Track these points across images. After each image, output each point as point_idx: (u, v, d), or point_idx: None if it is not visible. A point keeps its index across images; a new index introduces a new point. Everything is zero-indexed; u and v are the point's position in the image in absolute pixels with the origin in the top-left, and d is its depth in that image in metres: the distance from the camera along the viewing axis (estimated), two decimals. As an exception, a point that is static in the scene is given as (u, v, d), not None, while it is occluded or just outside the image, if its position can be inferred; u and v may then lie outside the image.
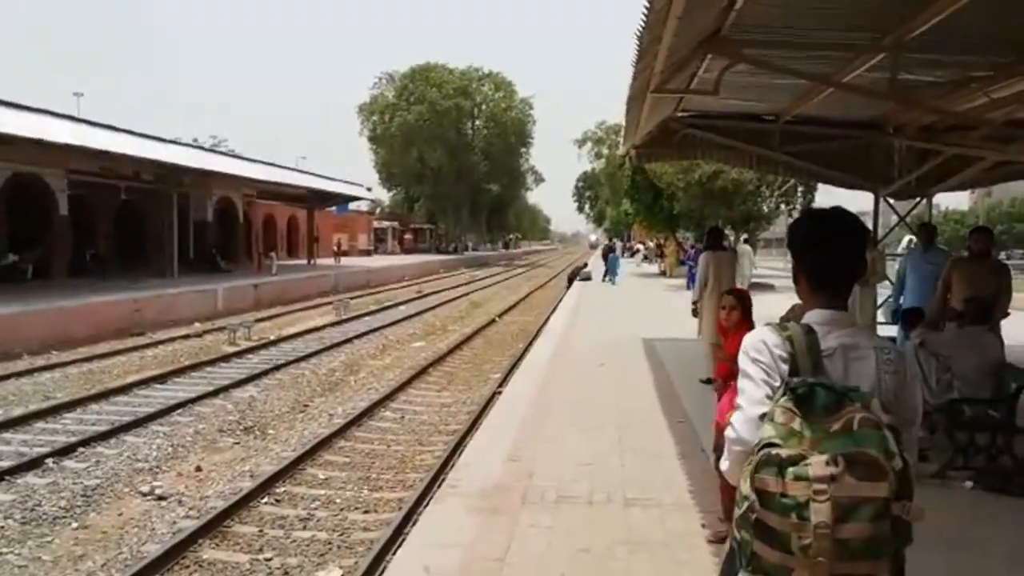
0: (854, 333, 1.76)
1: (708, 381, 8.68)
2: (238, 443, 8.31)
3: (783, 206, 26.99)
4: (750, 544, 1.54)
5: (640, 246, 37.25)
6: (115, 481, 6.87)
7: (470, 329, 17.80)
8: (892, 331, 9.09)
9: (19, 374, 11.50)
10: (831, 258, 1.80)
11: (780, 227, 52.80)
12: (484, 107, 65.69)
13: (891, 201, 10.44)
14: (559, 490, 4.41)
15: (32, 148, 17.48)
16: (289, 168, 33.13)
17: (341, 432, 8.49)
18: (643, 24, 4.43)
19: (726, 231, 22.91)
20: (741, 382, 1.76)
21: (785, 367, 1.68)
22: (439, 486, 6.42)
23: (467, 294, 29.01)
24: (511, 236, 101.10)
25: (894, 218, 11.87)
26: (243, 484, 6.73)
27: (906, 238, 13.77)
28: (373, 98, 63.37)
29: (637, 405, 7.73)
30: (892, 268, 10.98)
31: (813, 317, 1.78)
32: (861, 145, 10.04)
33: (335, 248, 42.52)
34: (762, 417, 1.61)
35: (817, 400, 1.55)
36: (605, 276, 28.47)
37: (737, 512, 1.58)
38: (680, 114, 9.72)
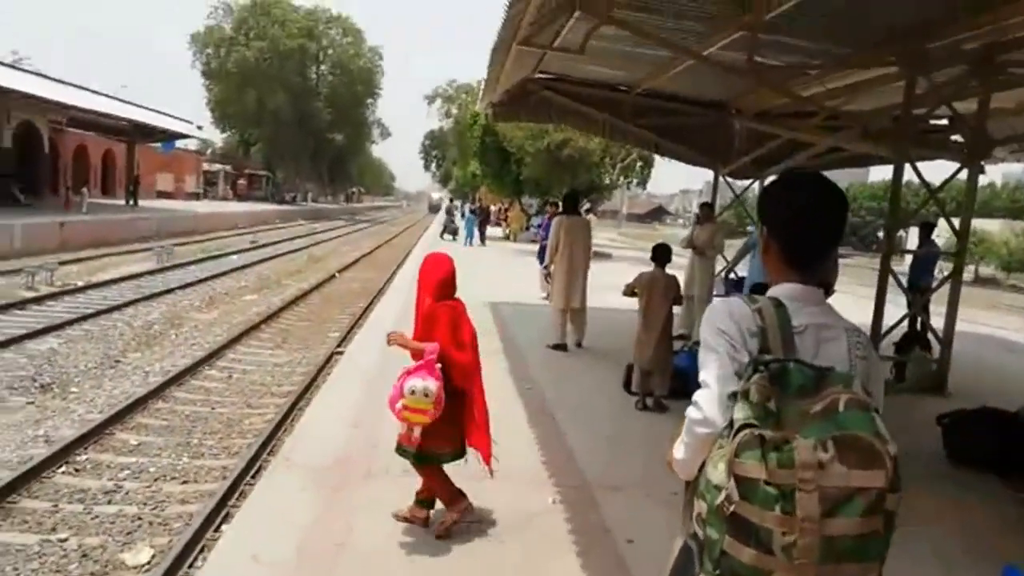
0: (826, 312, 1.61)
1: (556, 347, 8.76)
2: (32, 403, 7.30)
3: (622, 179, 27.94)
4: (719, 543, 1.32)
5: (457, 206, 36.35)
6: None
7: (308, 284, 16.94)
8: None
9: None
10: (816, 231, 1.62)
11: (614, 200, 55.22)
12: (331, 52, 62.45)
13: (729, 180, 10.97)
14: (404, 463, 4.13)
15: None
16: (105, 95, 29.76)
17: (158, 392, 7.69)
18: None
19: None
20: (704, 356, 1.55)
21: (755, 342, 1.50)
22: (269, 454, 5.98)
23: (305, 247, 27.72)
24: (354, 190, 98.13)
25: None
26: (35, 451, 5.88)
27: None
28: (208, 29, 58.34)
29: (487, 371, 7.51)
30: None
31: (782, 291, 1.61)
32: (706, 124, 10.43)
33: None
34: (732, 396, 1.41)
35: (791, 379, 1.37)
36: (444, 234, 30.31)
37: (701, 505, 1.38)
38: (538, 75, 9.61)
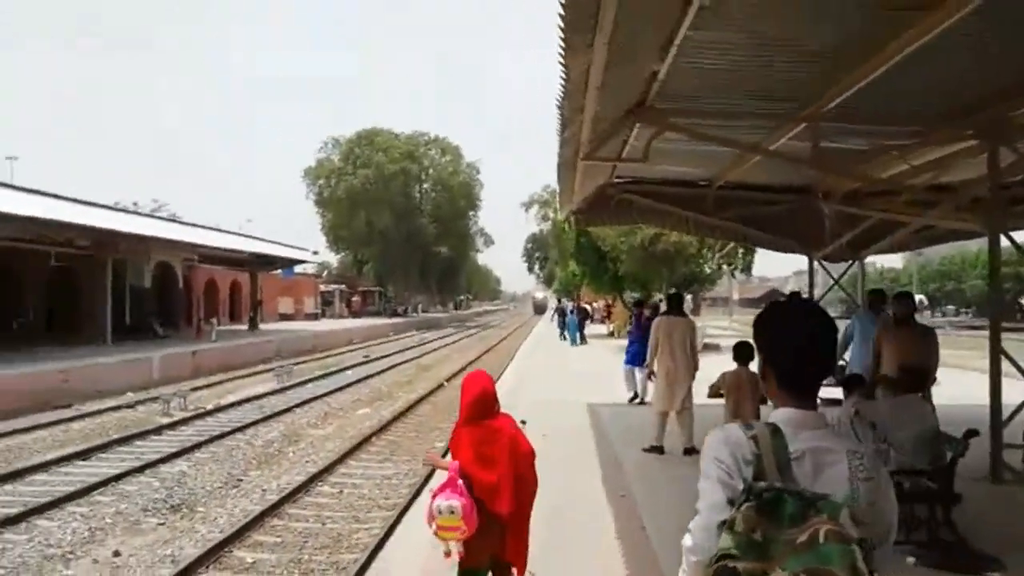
0: (825, 435, 1.62)
1: (652, 449, 8.59)
2: (163, 523, 7.84)
3: (725, 267, 27.61)
4: None
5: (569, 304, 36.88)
6: (22, 571, 6.36)
7: (416, 395, 17.46)
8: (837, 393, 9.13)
9: (-73, 454, 10.76)
10: (808, 359, 1.67)
11: (723, 286, 54.25)
12: (431, 171, 66.29)
13: (825, 264, 10.73)
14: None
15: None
16: (230, 232, 32.69)
17: (273, 509, 8.09)
18: (562, 94, 4.49)
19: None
20: (701, 483, 1.61)
21: (749, 470, 1.53)
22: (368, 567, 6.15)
23: (416, 358, 28.63)
24: (462, 297, 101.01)
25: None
26: (163, 572, 6.31)
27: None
28: (319, 162, 63.38)
29: (577, 477, 7.44)
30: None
31: (780, 416, 1.65)
32: (793, 209, 10.33)
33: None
34: (722, 524, 1.46)
35: (784, 508, 1.40)
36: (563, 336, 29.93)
37: None
38: (616, 180, 9.91)
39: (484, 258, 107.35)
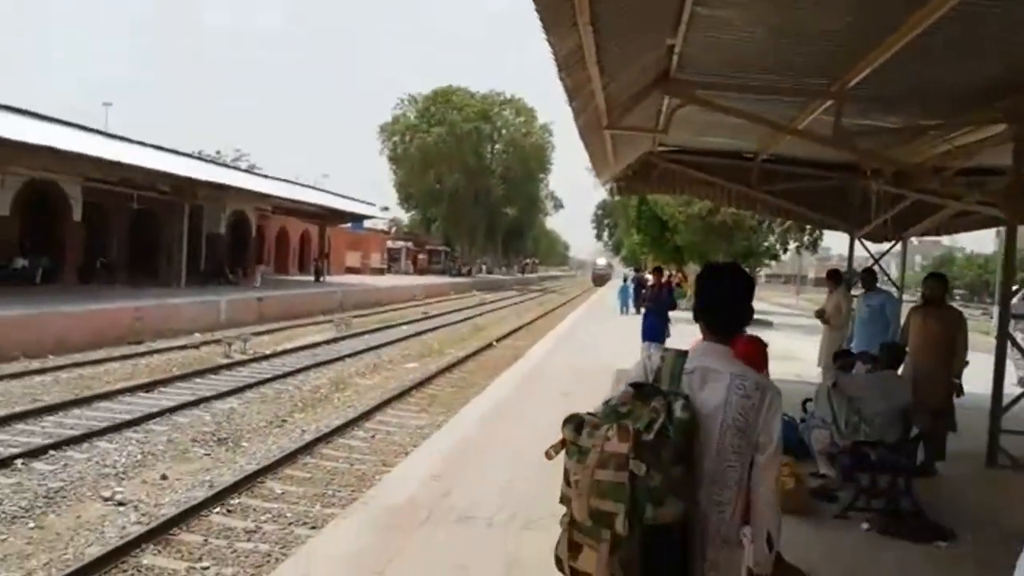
0: (718, 361, 2.10)
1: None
2: (208, 454, 8.53)
3: (791, 242, 26.86)
4: None
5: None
6: (79, 485, 7.10)
7: (465, 353, 17.97)
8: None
9: (12, 376, 11.84)
10: (708, 303, 2.21)
11: (788, 265, 52.59)
12: (504, 132, 66.26)
13: (866, 243, 10.52)
14: (466, 510, 4.54)
15: (49, 156, 18.02)
16: (303, 185, 33.73)
17: (308, 448, 8.68)
18: (557, 67, 4.63)
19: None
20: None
21: (651, 375, 2.12)
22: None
23: (472, 317, 29.20)
24: (528, 260, 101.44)
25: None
26: (199, 494, 6.94)
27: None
28: (395, 118, 64.12)
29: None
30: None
31: (695, 344, 2.20)
32: (838, 186, 10.16)
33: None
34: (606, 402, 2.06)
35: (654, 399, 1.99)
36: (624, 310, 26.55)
37: None
38: (660, 148, 9.92)
39: (554, 223, 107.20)
